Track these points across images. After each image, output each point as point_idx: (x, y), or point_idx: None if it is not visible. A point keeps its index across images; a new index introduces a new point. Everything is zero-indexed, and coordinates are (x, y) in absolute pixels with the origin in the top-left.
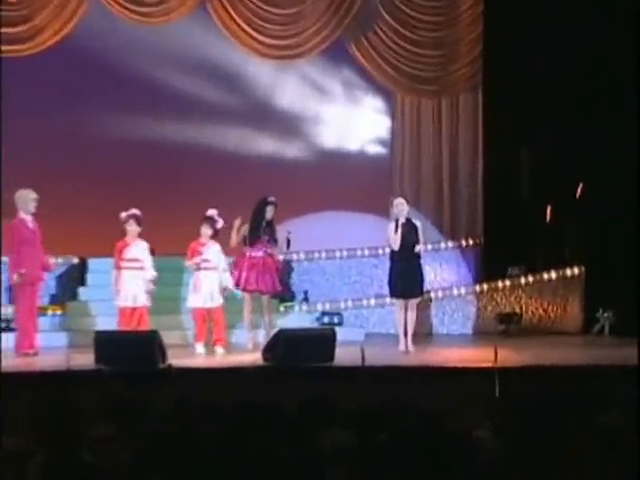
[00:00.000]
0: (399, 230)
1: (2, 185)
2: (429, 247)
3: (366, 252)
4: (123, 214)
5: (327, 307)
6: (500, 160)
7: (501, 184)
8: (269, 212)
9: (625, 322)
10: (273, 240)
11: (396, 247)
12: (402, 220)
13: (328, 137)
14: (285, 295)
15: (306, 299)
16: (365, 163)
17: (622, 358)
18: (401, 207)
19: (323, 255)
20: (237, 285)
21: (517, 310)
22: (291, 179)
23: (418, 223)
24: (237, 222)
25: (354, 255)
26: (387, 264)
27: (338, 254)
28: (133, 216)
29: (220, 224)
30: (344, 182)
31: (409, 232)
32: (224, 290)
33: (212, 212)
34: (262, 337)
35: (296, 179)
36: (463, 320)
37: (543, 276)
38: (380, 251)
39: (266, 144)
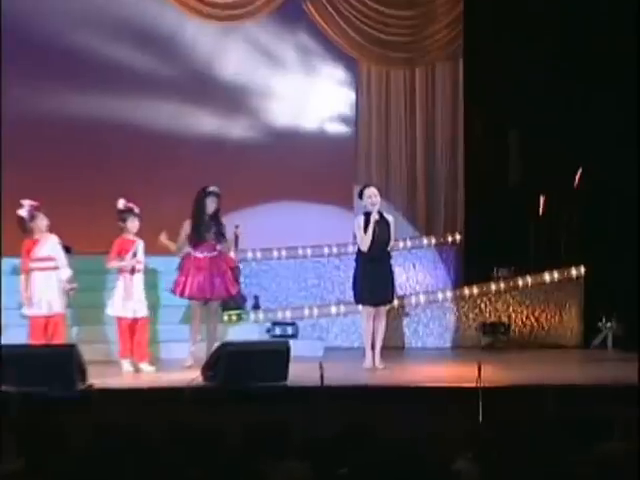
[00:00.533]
0: (370, 227)
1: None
2: (400, 245)
3: (326, 250)
4: (26, 206)
5: (279, 316)
6: (484, 142)
7: (486, 170)
8: (210, 204)
9: (631, 333)
10: (221, 236)
11: (365, 247)
12: (375, 215)
13: (281, 114)
14: (229, 302)
15: (255, 307)
16: (325, 144)
17: (628, 376)
18: (374, 199)
19: (275, 254)
20: (181, 292)
21: (504, 319)
22: (237, 164)
23: (391, 218)
24: (186, 224)
25: (312, 254)
26: (352, 265)
27: (293, 253)
28: (39, 208)
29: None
30: (300, 167)
31: (381, 229)
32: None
33: (122, 203)
34: (204, 352)
35: (243, 164)
36: (440, 331)
37: (535, 278)
38: (343, 249)
39: (207, 122)
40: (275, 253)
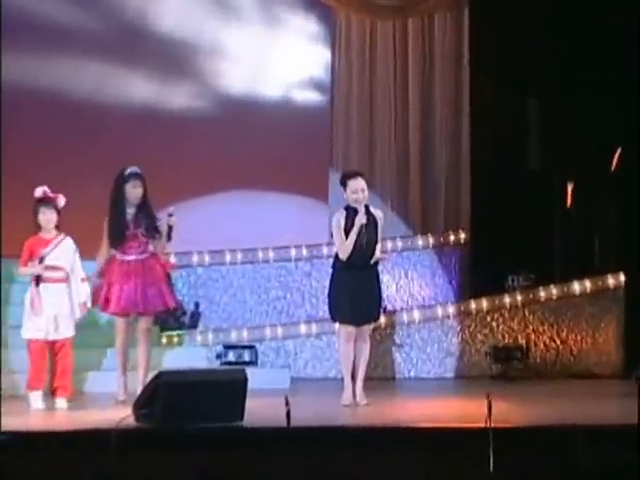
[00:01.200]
0: (355, 230)
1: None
2: (389, 245)
3: (294, 253)
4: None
5: (233, 337)
6: (495, 114)
7: (498, 151)
8: (132, 190)
9: None
10: (153, 231)
11: (345, 254)
12: (361, 218)
13: (235, 78)
14: (168, 319)
15: (193, 324)
16: (291, 118)
17: None
18: (360, 195)
19: (227, 258)
20: (104, 306)
21: (522, 341)
22: (178, 142)
23: (379, 214)
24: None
25: (276, 258)
26: (327, 272)
27: (251, 256)
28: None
29: (61, 203)
30: (259, 147)
31: (369, 232)
32: (82, 309)
33: (41, 191)
34: (137, 383)
35: (185, 142)
36: (440, 357)
37: (562, 289)
38: (316, 252)
39: (139, 87)
40: (228, 257)
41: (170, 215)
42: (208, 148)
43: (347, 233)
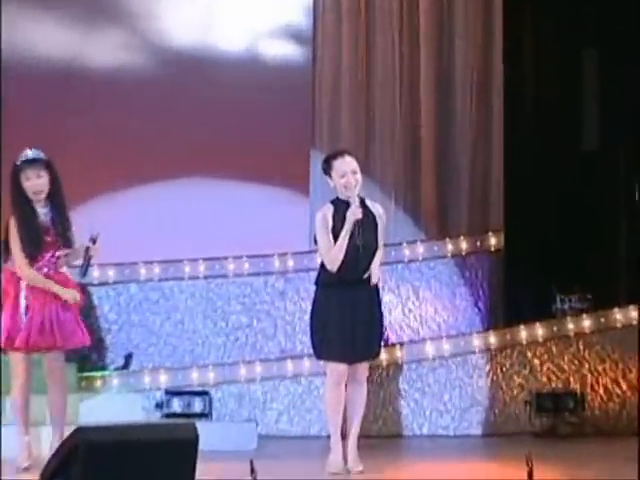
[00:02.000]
0: (346, 228)
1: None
2: (392, 254)
3: (262, 266)
4: None
5: (179, 380)
6: (539, 79)
7: (540, 127)
8: (27, 184)
9: None
10: (64, 239)
11: (335, 264)
12: (355, 210)
13: (182, 27)
14: (88, 357)
15: (129, 363)
16: (259, 80)
17: None
18: (351, 179)
19: (171, 272)
20: (7, 342)
21: (574, 386)
22: (102, 111)
23: (379, 210)
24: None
25: (237, 272)
26: (309, 291)
27: (204, 270)
28: None
29: None
30: (216, 119)
31: (365, 232)
32: None
33: None
34: (45, 444)
35: (114, 111)
36: (463, 407)
37: (627, 314)
38: (293, 264)
39: (49, 37)
40: (172, 270)
41: (92, 240)
42: (143, 121)
43: (336, 236)
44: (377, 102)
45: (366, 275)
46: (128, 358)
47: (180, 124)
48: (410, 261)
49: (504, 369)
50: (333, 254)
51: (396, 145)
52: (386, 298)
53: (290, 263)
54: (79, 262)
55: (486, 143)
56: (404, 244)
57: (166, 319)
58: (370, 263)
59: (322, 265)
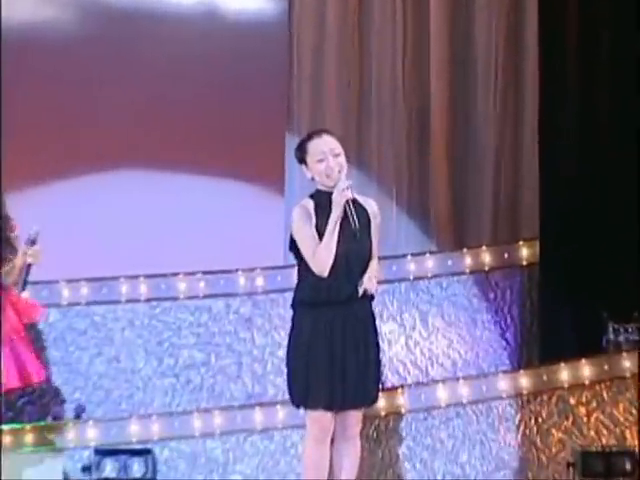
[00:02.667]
0: (331, 227)
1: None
2: (394, 269)
3: (223, 284)
4: None
5: (114, 434)
6: (585, 48)
7: (586, 112)
8: None
9: None
10: (8, 248)
11: (325, 268)
12: (341, 190)
13: None
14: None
15: (47, 413)
16: (220, 43)
17: None
18: (331, 159)
19: (104, 292)
20: None
21: (632, 442)
22: (19, 79)
23: (373, 206)
24: None
25: (191, 292)
26: (282, 316)
27: (144, 288)
28: None
29: None
30: (167, 95)
31: (359, 233)
32: None
33: None
34: None
35: (34, 79)
36: (486, 469)
37: None
38: (263, 282)
39: None
40: (104, 290)
41: (31, 242)
42: (69, 95)
43: (321, 234)
44: (373, 76)
45: (361, 290)
46: (79, 411)
47: (117, 99)
48: (417, 279)
49: (539, 420)
50: (321, 255)
51: (397, 131)
52: (385, 327)
53: (259, 282)
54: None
55: (516, 131)
56: (409, 257)
57: (96, 355)
58: (360, 274)
59: (301, 279)
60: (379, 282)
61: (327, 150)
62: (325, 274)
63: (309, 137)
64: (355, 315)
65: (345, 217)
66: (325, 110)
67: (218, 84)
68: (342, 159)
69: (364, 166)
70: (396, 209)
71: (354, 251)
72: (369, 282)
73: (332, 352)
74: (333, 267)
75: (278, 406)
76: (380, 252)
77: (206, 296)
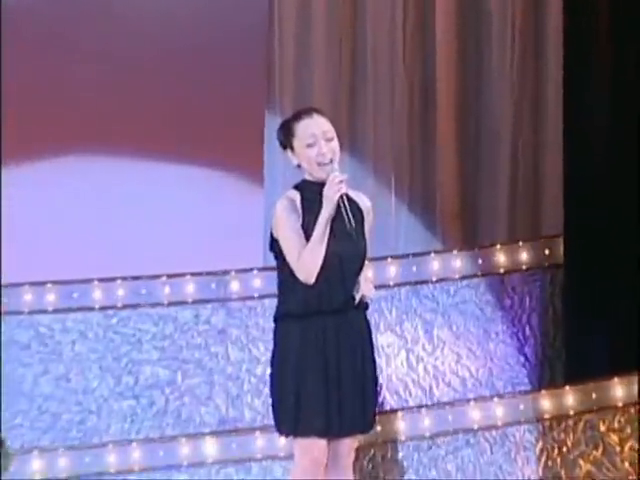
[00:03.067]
0: (322, 223)
1: None
2: (392, 271)
3: (192, 289)
4: None
5: (62, 467)
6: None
7: (622, 89)
8: None
9: None
10: None
11: (311, 275)
12: (333, 182)
13: None
14: None
15: None
16: (189, 12)
17: None
18: (322, 143)
19: (48, 299)
20: None
21: None
22: None
23: (366, 202)
24: None
25: (152, 299)
26: (263, 328)
27: (98, 294)
28: None
29: None
30: (127, 71)
31: (354, 236)
32: None
33: None
34: None
35: None
36: None
37: None
38: (236, 284)
39: None
40: (50, 296)
41: None
42: (27, 69)
43: (308, 233)
44: (368, 43)
45: (358, 297)
46: None
47: (71, 72)
48: (419, 283)
49: (564, 450)
50: (308, 256)
51: (397, 109)
52: (382, 340)
53: (234, 286)
54: None
55: (537, 107)
56: (410, 257)
57: (42, 373)
58: (356, 278)
59: (284, 286)
60: (375, 287)
61: (319, 133)
62: (311, 281)
63: (297, 117)
64: (350, 326)
65: (338, 214)
66: (312, 85)
67: (182, 50)
68: (335, 144)
69: (357, 151)
70: (395, 201)
71: (349, 253)
72: (367, 287)
73: (326, 369)
74: (325, 271)
75: (257, 433)
76: (376, 252)
77: (172, 303)
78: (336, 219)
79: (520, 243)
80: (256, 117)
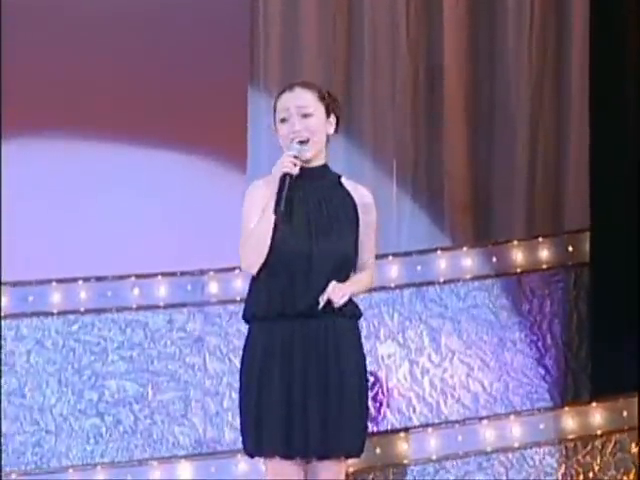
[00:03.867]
0: (269, 212)
1: None
2: (394, 271)
3: (164, 292)
4: None
5: None
6: None
7: None
8: None
9: None
10: None
11: (251, 262)
12: (285, 159)
13: None
14: None
15: None
16: None
17: None
18: (298, 125)
19: (2, 301)
20: None
21: None
22: None
23: (365, 197)
24: None
25: (121, 302)
26: (244, 333)
27: (57, 298)
28: None
29: None
30: (98, 43)
31: (323, 222)
32: None
33: None
34: None
35: None
36: None
37: None
38: (215, 286)
39: None
40: (3, 301)
41: None
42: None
43: (278, 223)
44: (366, 18)
45: (322, 301)
46: None
47: (39, 45)
48: (424, 284)
49: (590, 475)
50: (245, 243)
51: (399, 90)
52: (383, 349)
53: (212, 288)
54: None
55: (558, 88)
56: (413, 255)
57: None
58: (331, 278)
59: (252, 283)
60: (374, 289)
61: (293, 107)
62: (253, 270)
63: (281, 91)
64: (323, 333)
65: (312, 205)
66: (301, 60)
67: (157, 23)
68: (314, 122)
69: (355, 137)
70: (397, 193)
71: (321, 251)
72: (335, 292)
73: (290, 381)
74: (288, 268)
75: (238, 456)
76: (375, 249)
77: (141, 307)
78: (311, 212)
79: (540, 239)
80: (238, 95)
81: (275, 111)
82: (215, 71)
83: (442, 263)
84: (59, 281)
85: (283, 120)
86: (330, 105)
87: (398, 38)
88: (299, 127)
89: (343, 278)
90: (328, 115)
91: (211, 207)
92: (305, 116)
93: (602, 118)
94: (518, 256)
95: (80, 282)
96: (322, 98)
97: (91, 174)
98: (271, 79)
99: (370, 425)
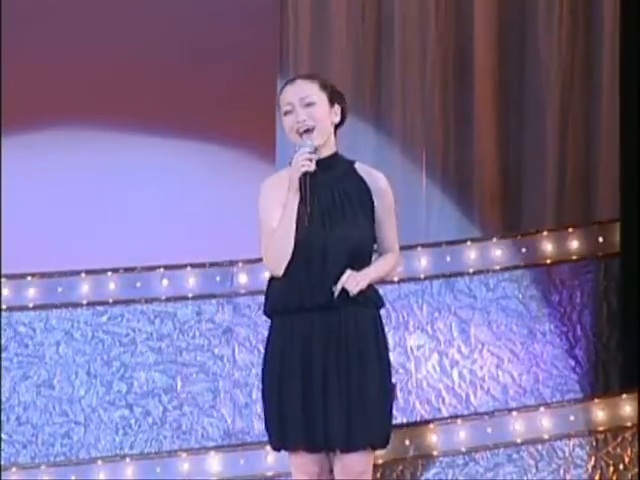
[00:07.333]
0: (289, 211)
1: None
2: (422, 262)
3: (193, 282)
4: None
5: None
6: None
7: None
8: None
9: None
10: None
11: (277, 264)
12: (301, 156)
13: None
14: None
15: None
16: None
17: None
18: (303, 114)
19: (27, 294)
20: None
21: None
22: None
23: (379, 182)
24: None
25: (147, 295)
26: (259, 329)
27: (86, 289)
28: None
29: None
30: (133, 37)
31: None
32: None
33: None
34: None
35: None
36: None
37: None
38: (244, 277)
39: None
40: (30, 291)
41: None
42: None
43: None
44: (395, 7)
45: (336, 292)
46: None
47: (53, 35)
48: (454, 275)
49: (620, 467)
50: (271, 245)
51: (429, 78)
52: (411, 341)
53: (241, 279)
54: None
55: (589, 75)
56: (443, 246)
57: (21, 379)
58: (347, 266)
59: (271, 277)
60: (403, 280)
61: (295, 100)
62: (278, 273)
63: (282, 86)
64: (343, 324)
65: (322, 197)
66: (331, 50)
67: (189, 18)
68: (317, 110)
69: (384, 125)
70: (426, 182)
71: (336, 240)
72: (348, 280)
73: (310, 373)
74: (304, 261)
75: (267, 447)
76: (404, 240)
77: (170, 299)
78: (322, 202)
79: (570, 230)
80: (267, 88)
81: (279, 106)
82: (245, 61)
83: (472, 254)
84: (88, 272)
85: (287, 113)
86: (333, 94)
87: (427, 27)
88: (303, 117)
89: (361, 266)
90: (332, 104)
91: (241, 198)
92: (308, 105)
93: (632, 110)
94: (548, 247)
95: (109, 273)
96: (324, 87)
97: (123, 166)
98: (300, 69)
99: (399, 416)
